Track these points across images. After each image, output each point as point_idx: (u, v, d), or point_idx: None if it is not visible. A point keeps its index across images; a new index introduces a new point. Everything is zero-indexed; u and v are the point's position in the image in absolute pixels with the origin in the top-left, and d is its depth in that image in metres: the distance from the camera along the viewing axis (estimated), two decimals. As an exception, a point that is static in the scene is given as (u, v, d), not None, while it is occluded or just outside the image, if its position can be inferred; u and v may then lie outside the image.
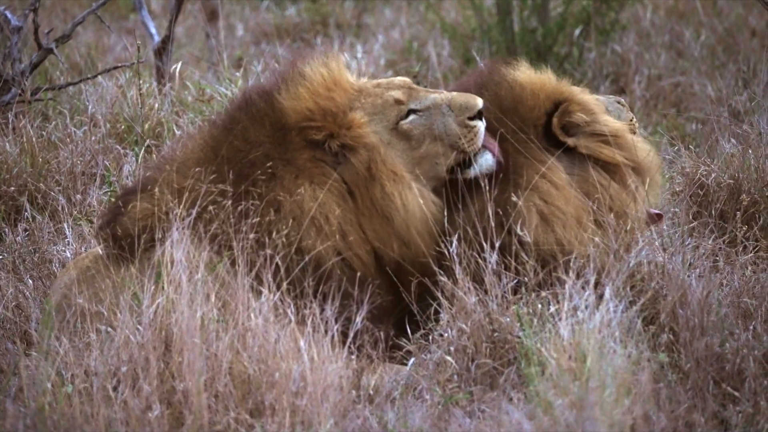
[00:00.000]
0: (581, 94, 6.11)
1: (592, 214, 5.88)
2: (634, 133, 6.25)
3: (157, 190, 5.76)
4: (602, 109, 6.14)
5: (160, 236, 5.64)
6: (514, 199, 5.79)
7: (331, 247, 5.71)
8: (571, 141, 5.97)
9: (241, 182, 5.75)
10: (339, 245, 5.72)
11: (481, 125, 5.86)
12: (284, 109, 5.84)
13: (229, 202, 5.69)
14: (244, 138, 5.83)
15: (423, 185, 5.82)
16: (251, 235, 5.59)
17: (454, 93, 5.91)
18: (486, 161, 5.85)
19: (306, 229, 5.68)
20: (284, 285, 5.53)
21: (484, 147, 5.86)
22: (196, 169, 5.77)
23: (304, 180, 5.76)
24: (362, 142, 5.81)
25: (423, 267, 5.78)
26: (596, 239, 5.76)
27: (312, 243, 5.68)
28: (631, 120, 6.27)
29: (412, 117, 5.87)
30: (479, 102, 5.86)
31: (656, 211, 6.15)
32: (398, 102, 5.88)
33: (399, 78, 6.01)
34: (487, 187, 5.78)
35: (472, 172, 5.86)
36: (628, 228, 5.83)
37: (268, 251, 5.58)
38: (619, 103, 6.31)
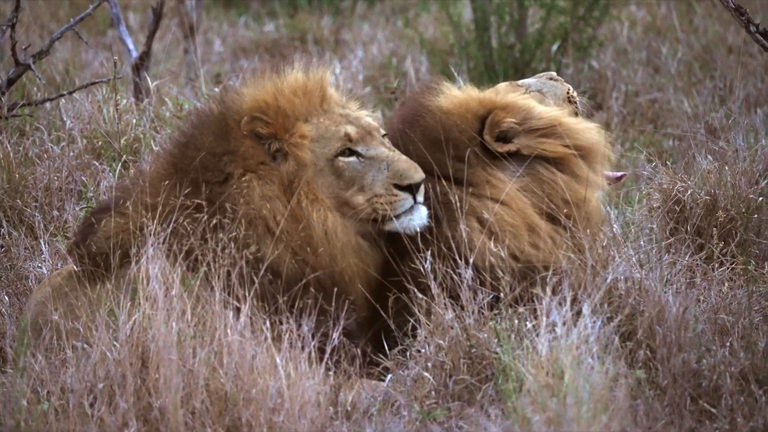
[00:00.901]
0: (506, 95, 6.06)
1: (547, 211, 5.86)
2: (575, 104, 6.22)
3: (130, 206, 5.74)
4: (534, 100, 6.09)
5: (135, 251, 5.61)
6: (453, 229, 5.75)
7: (302, 261, 5.67)
8: (512, 146, 5.93)
9: (198, 191, 5.69)
10: (308, 258, 5.67)
11: (405, 198, 5.70)
12: (242, 95, 5.81)
13: (203, 215, 5.65)
14: (195, 146, 5.80)
15: (346, 221, 5.72)
16: (212, 245, 5.56)
17: (403, 157, 5.75)
18: (411, 222, 5.72)
19: (261, 235, 5.64)
20: (249, 296, 5.48)
21: (418, 208, 5.72)
22: (165, 183, 5.74)
23: (252, 177, 5.70)
24: (296, 153, 5.73)
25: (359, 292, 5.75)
26: (571, 255, 5.77)
27: (269, 249, 5.63)
28: (568, 92, 6.24)
29: (352, 158, 5.74)
30: (414, 177, 5.70)
31: (617, 174, 6.14)
32: (347, 137, 5.75)
33: (372, 121, 5.89)
34: (458, 204, 5.76)
35: (393, 225, 5.74)
36: (604, 245, 5.85)
37: (236, 263, 5.54)
38: (552, 79, 6.30)
